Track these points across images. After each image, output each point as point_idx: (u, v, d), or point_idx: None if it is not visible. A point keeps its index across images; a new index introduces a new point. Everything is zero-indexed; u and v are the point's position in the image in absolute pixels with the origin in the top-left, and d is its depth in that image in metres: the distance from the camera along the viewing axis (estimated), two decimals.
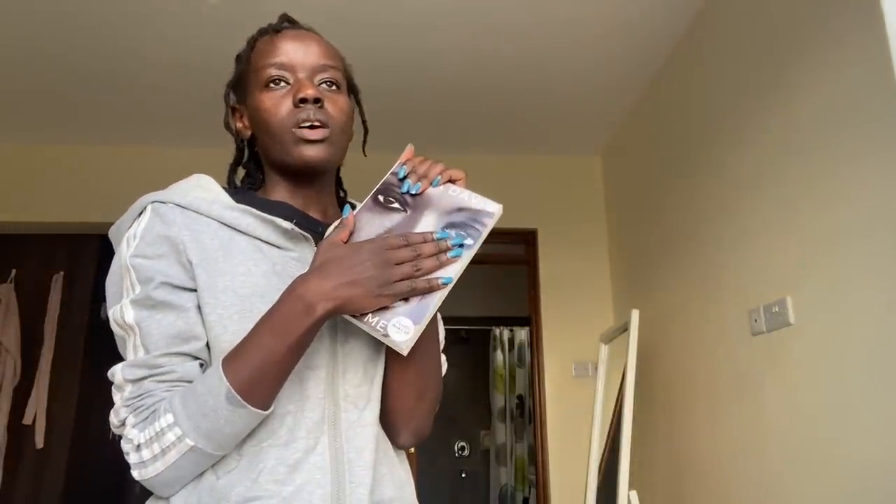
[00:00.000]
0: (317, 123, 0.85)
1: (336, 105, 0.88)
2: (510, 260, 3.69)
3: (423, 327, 0.75)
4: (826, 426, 1.66)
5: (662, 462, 2.68)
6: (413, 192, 0.83)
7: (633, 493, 2.35)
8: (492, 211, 0.82)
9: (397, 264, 0.75)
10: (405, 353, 0.75)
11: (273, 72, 0.87)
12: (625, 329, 2.59)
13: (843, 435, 1.59)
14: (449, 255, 0.77)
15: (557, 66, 2.81)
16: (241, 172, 1.00)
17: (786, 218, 1.86)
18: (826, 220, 1.68)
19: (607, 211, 3.54)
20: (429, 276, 0.76)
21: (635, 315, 2.55)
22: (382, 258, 0.75)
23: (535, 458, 3.34)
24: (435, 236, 0.78)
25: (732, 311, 2.14)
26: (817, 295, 1.71)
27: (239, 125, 0.95)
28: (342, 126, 0.89)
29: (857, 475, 1.54)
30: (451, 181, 0.85)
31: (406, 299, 0.76)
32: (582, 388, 3.21)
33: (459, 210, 0.82)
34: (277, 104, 0.86)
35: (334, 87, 0.90)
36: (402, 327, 0.74)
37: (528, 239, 3.57)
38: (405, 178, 0.85)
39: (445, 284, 0.76)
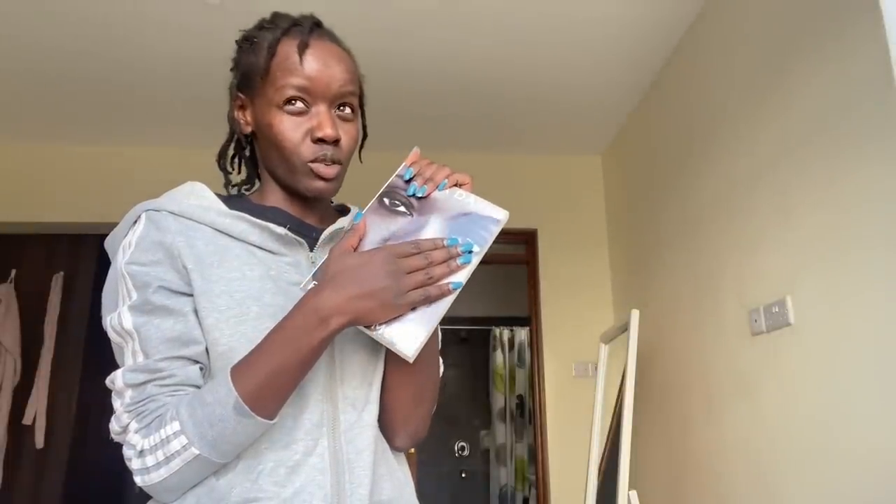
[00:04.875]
0: (331, 162, 0.85)
1: (349, 135, 0.87)
2: (510, 260, 3.69)
3: (430, 335, 0.75)
4: (825, 426, 1.66)
5: (662, 462, 2.68)
6: (419, 195, 0.82)
7: (633, 493, 2.35)
8: (498, 217, 0.81)
9: (409, 273, 0.74)
10: (412, 360, 0.74)
11: (293, 93, 0.84)
12: (625, 329, 2.58)
13: (842, 434, 1.59)
14: (459, 261, 0.76)
15: (558, 67, 2.81)
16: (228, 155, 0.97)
17: (785, 218, 1.86)
18: (826, 219, 1.68)
19: (607, 211, 3.54)
20: (439, 283, 0.75)
21: (635, 315, 2.55)
22: (395, 267, 0.73)
23: (535, 458, 3.34)
24: (445, 242, 0.77)
25: (732, 311, 2.14)
26: (817, 295, 1.71)
27: (239, 116, 0.91)
28: (351, 155, 0.89)
29: (857, 475, 1.53)
30: (458, 185, 0.84)
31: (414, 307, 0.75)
32: (582, 388, 3.20)
33: (465, 215, 0.81)
34: (293, 129, 0.84)
35: (349, 112, 0.88)
36: (409, 335, 0.74)
37: (528, 239, 3.57)
38: (411, 180, 0.84)
39: (455, 289, 0.75)
